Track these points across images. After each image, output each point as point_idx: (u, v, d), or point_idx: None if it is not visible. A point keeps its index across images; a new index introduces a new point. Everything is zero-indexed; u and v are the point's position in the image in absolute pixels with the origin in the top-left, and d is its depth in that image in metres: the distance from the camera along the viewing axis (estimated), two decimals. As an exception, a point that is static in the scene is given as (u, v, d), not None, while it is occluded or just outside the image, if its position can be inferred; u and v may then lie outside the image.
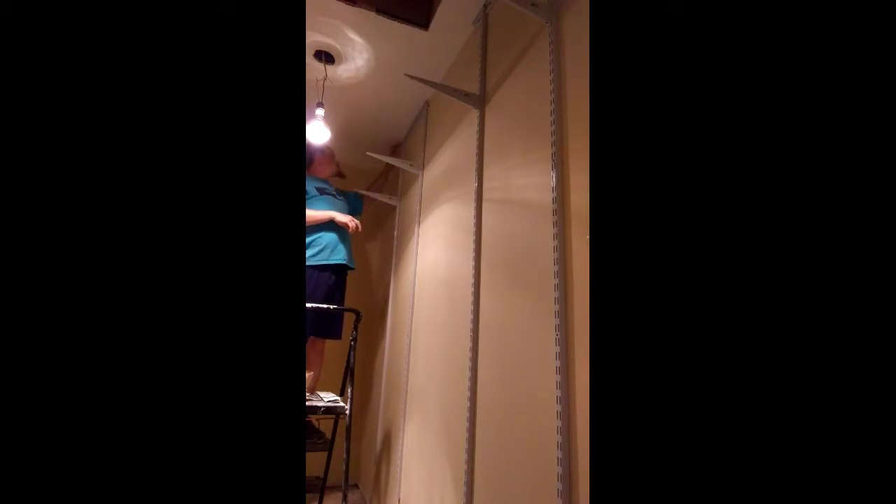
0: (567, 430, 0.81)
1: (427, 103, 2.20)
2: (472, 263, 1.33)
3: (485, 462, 1.13)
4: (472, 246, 1.35)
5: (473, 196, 1.39)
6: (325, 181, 2.21)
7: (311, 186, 2.09)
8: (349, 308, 1.93)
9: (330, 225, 2.03)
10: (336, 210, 2.09)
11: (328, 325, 2.05)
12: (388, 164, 2.53)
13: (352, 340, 1.91)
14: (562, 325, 0.87)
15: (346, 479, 1.80)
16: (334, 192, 2.19)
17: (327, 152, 2.26)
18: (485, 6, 1.55)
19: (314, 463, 2.19)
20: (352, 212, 2.23)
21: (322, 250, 1.98)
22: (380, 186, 2.65)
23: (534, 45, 1.18)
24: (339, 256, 2.02)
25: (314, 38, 1.79)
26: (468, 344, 1.27)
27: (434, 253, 1.78)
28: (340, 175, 2.39)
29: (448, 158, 1.76)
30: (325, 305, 1.93)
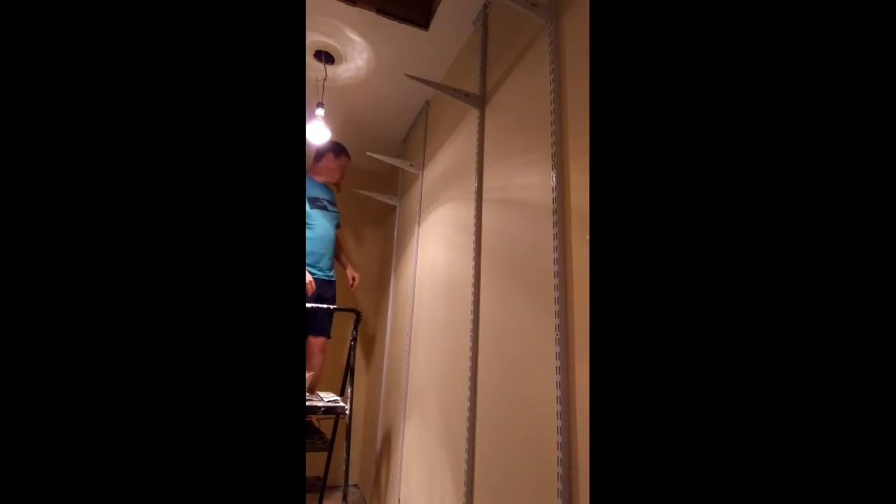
0: (567, 430, 0.81)
1: (427, 103, 2.20)
2: (472, 263, 1.33)
3: (485, 462, 1.13)
4: (472, 246, 1.35)
5: (473, 196, 1.39)
6: (322, 186, 2.18)
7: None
8: (349, 308, 1.93)
9: (314, 242, 2.04)
10: (325, 222, 2.09)
11: (319, 324, 2.07)
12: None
13: (352, 340, 1.92)
14: (562, 325, 0.87)
15: (346, 479, 1.80)
16: (327, 203, 2.15)
17: (341, 160, 2.21)
18: (485, 6, 1.55)
19: (314, 463, 2.18)
20: (337, 226, 2.22)
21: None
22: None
23: (534, 45, 1.18)
24: (316, 270, 2.03)
25: (314, 38, 1.79)
26: (468, 344, 1.27)
27: (434, 253, 1.78)
28: (337, 187, 2.34)
29: (448, 158, 1.76)
30: (325, 306, 1.94)
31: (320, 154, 2.20)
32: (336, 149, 2.21)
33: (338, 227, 2.22)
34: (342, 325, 2.18)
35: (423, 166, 2.12)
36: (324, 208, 2.12)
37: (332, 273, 2.13)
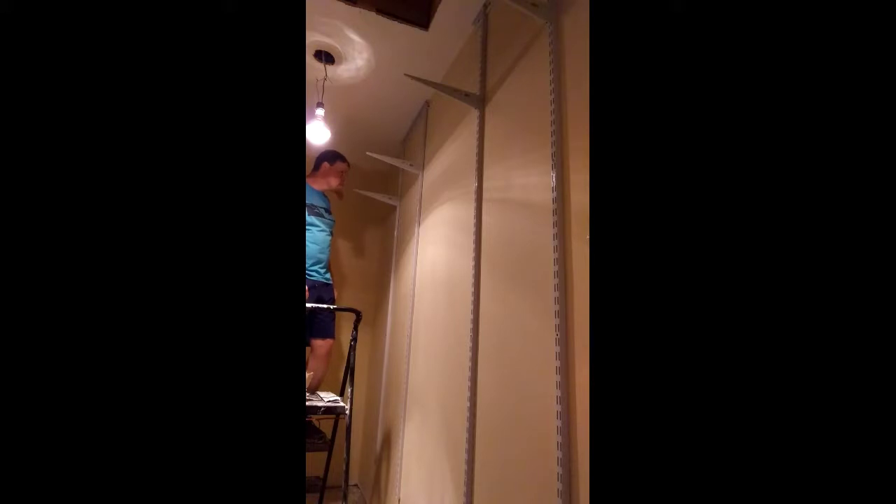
0: (567, 430, 0.81)
1: (427, 103, 2.20)
2: (472, 263, 1.33)
3: (485, 462, 1.13)
4: (472, 246, 1.35)
5: (473, 196, 1.39)
6: (319, 194, 2.18)
7: None
8: (349, 308, 1.93)
9: (311, 247, 2.06)
10: (322, 227, 2.11)
11: (323, 327, 2.08)
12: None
13: (352, 340, 1.92)
14: (562, 325, 0.87)
15: (346, 479, 1.80)
16: (323, 210, 2.16)
17: (338, 165, 2.21)
18: (485, 6, 1.55)
19: (314, 463, 2.19)
20: (331, 233, 2.23)
21: None
22: None
23: (534, 45, 1.18)
24: (314, 273, 2.04)
25: (314, 38, 1.79)
26: (468, 344, 1.27)
27: (434, 253, 1.78)
28: (339, 195, 2.34)
29: (448, 158, 1.76)
30: (324, 306, 1.95)
31: (318, 163, 2.21)
32: (332, 156, 2.22)
33: (330, 234, 2.24)
34: (342, 326, 2.18)
35: (423, 166, 2.12)
36: (320, 215, 2.14)
37: (328, 276, 2.15)
